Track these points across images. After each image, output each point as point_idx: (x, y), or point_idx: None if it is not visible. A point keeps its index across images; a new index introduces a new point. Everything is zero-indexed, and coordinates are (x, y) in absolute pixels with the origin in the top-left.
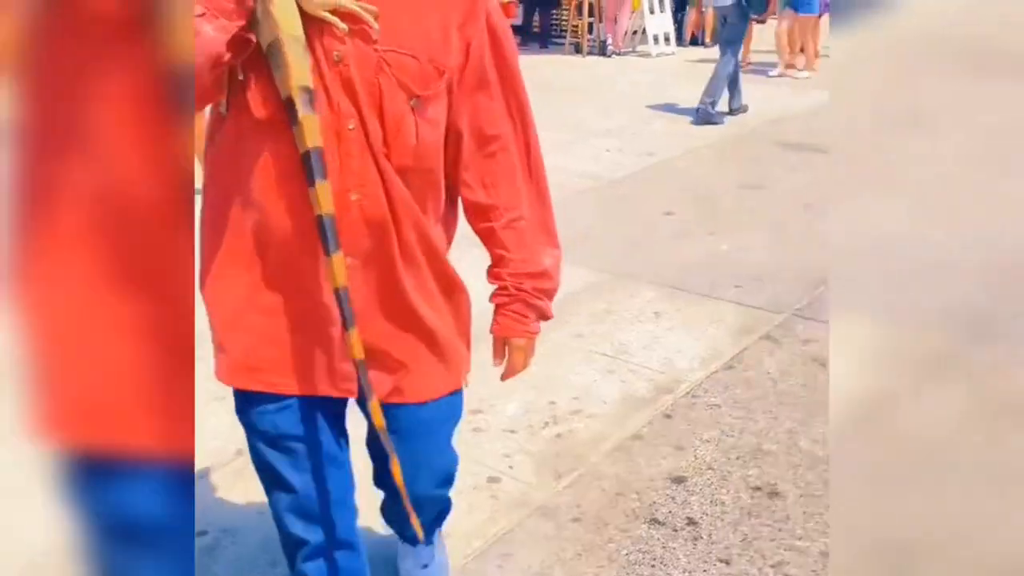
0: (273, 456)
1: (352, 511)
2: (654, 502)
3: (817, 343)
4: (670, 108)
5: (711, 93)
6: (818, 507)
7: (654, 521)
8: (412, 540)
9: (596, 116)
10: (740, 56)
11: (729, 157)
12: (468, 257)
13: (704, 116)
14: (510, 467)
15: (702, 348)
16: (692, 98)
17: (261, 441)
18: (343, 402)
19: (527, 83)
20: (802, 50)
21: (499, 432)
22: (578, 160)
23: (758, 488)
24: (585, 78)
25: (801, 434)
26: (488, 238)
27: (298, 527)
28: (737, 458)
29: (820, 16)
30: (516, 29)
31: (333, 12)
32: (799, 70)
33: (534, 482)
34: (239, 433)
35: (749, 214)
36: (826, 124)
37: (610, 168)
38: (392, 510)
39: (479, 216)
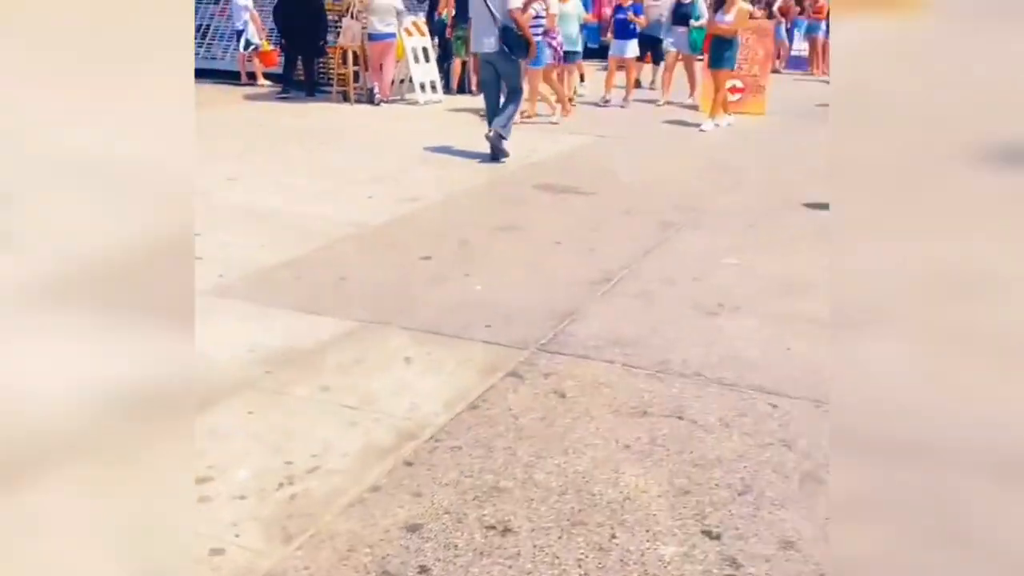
0: None
1: None
2: (387, 554)
3: (556, 375)
4: (435, 154)
5: (503, 123)
6: (548, 539)
7: (385, 574)
8: None
9: (361, 163)
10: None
11: (489, 200)
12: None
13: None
14: (236, 535)
15: (449, 390)
16: (458, 144)
17: None
18: None
19: (292, 130)
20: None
21: (228, 500)
22: (340, 207)
23: (492, 527)
24: (352, 126)
25: (537, 467)
26: None
27: None
28: (474, 499)
29: (560, 65)
30: (278, 77)
31: None
32: (551, 115)
33: (263, 549)
34: None
35: (504, 254)
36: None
37: (372, 214)
38: None
39: None
